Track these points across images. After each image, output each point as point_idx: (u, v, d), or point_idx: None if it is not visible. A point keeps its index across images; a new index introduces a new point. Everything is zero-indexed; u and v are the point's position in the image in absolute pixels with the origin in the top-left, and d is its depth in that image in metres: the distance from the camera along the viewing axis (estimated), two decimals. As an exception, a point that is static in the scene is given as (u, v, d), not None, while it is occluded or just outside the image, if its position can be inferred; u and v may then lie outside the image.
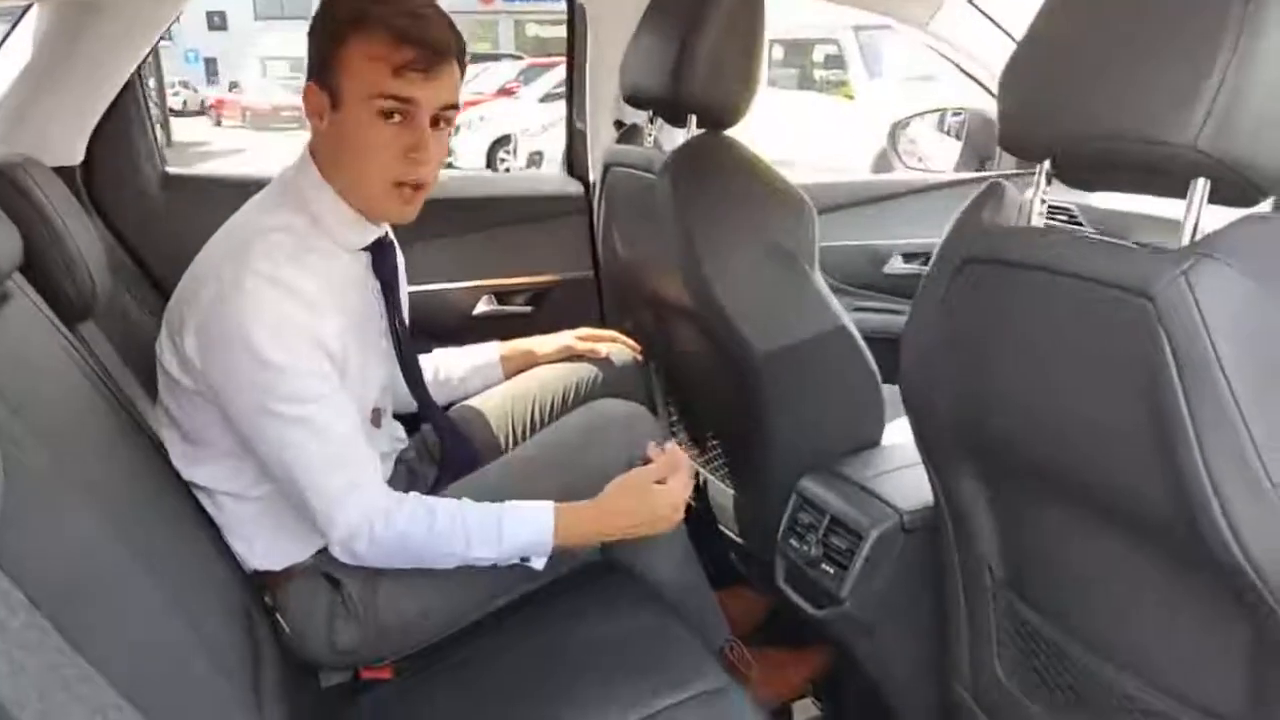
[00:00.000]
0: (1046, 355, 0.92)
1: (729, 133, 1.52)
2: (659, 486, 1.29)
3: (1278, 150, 0.77)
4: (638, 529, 1.29)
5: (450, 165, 11.46)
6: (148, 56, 1.86)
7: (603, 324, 2.05)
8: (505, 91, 12.50)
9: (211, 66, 22.29)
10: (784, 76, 8.95)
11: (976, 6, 2.13)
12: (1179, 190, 0.81)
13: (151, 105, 1.99)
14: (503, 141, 10.71)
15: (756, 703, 1.19)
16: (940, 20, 2.15)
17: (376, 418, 1.41)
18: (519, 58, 16.35)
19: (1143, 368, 0.79)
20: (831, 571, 1.35)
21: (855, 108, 7.90)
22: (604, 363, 1.66)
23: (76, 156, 1.82)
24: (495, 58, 16.86)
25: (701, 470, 1.80)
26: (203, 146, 13.80)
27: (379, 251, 1.33)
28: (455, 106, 1.23)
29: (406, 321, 1.44)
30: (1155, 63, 0.79)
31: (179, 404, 1.25)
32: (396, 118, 1.18)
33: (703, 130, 1.51)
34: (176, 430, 1.27)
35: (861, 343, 1.48)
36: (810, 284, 1.46)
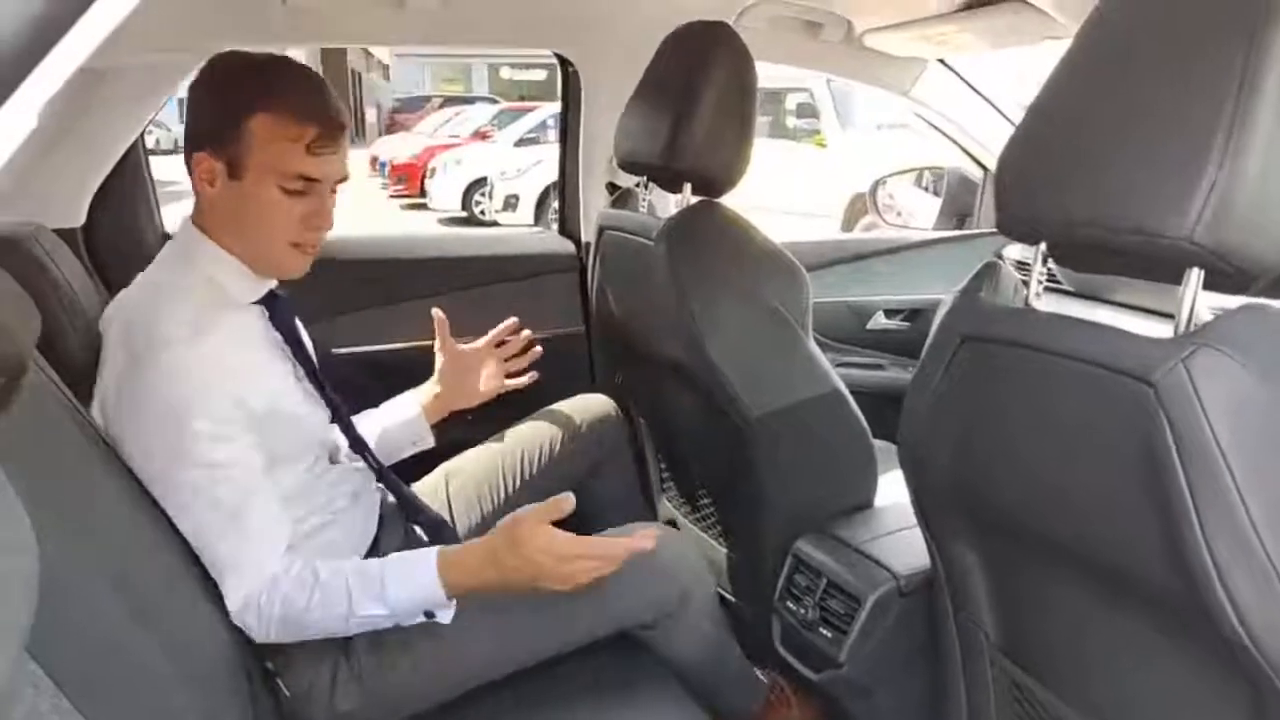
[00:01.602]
0: (1044, 431, 0.94)
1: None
2: (559, 562, 1.19)
3: (1268, 241, 0.80)
4: (528, 586, 1.21)
5: (425, 207, 11.54)
6: (150, 122, 1.89)
7: (593, 379, 2.08)
8: (481, 135, 12.60)
9: (184, 106, 22.23)
10: (757, 124, 9.10)
11: (956, 73, 2.20)
12: (1174, 277, 0.84)
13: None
14: (479, 184, 10.79)
15: None
16: (921, 87, 2.22)
17: (335, 454, 1.44)
18: (494, 101, 16.49)
19: (1142, 449, 0.82)
20: (829, 635, 1.36)
21: (828, 155, 8.03)
22: (585, 414, 1.72)
23: (79, 218, 1.85)
24: (470, 100, 16.99)
25: (694, 528, 1.82)
26: (173, 186, 13.69)
27: (272, 304, 1.35)
28: (345, 179, 1.28)
29: (317, 368, 1.42)
30: (1151, 155, 0.81)
31: None
32: (302, 193, 1.23)
33: (698, 198, 1.55)
34: None
35: (854, 405, 1.51)
36: (803, 347, 1.49)
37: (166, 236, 1.98)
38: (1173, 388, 0.79)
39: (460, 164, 11.26)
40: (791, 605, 1.44)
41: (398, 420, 1.64)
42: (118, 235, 1.90)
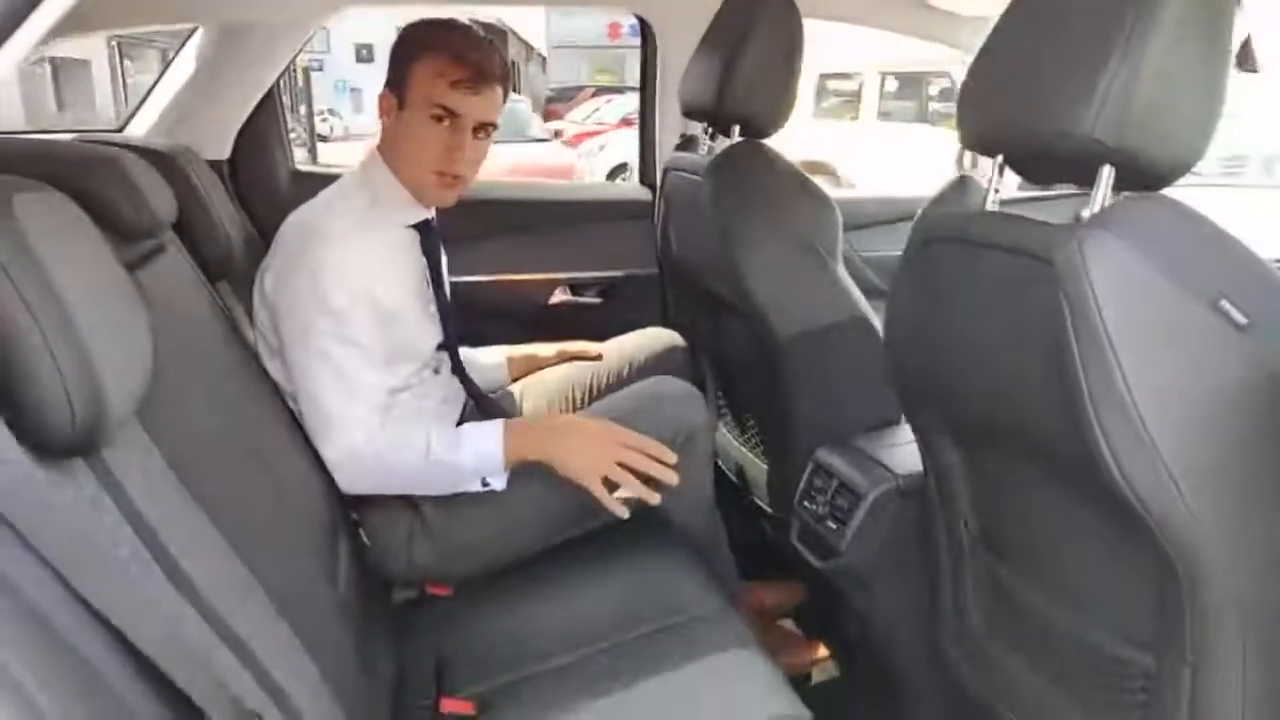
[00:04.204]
0: (981, 321, 1.05)
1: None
2: (608, 448, 1.40)
3: (1166, 139, 0.89)
4: (568, 469, 1.41)
5: (571, 189, 11.89)
6: (285, 70, 2.21)
7: (665, 315, 2.25)
8: (626, 122, 12.85)
9: (358, 97, 23.46)
10: (899, 109, 8.98)
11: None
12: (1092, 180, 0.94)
13: (300, 125, 2.32)
14: (620, 169, 11.04)
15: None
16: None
17: (437, 365, 1.66)
18: (642, 90, 16.70)
19: (1049, 326, 0.91)
20: (834, 527, 1.49)
21: (966, 139, 7.87)
22: (653, 344, 1.87)
23: (225, 152, 2.17)
24: (619, 90, 17.29)
25: (741, 448, 1.97)
26: (342, 168, 14.55)
27: (426, 233, 1.58)
28: (493, 124, 1.50)
29: (448, 297, 1.64)
30: (1066, 67, 0.91)
31: (272, 353, 1.51)
32: (445, 122, 1.46)
33: (744, 138, 1.70)
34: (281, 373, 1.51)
35: (880, 330, 1.62)
36: (831, 275, 1.62)
37: (296, 172, 2.31)
38: (1067, 266, 0.88)
39: (604, 149, 11.54)
40: (808, 504, 1.58)
41: (485, 363, 1.87)
42: (256, 168, 2.21)
